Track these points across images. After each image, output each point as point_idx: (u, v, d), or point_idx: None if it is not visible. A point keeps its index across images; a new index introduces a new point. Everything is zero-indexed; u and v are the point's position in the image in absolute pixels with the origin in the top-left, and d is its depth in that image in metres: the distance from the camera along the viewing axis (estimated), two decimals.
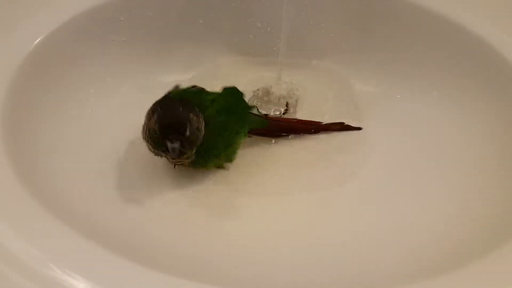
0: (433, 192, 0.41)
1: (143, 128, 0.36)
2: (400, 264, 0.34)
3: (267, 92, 0.49)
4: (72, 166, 0.39)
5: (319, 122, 0.46)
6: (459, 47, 0.45)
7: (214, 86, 0.48)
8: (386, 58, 0.48)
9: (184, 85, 0.40)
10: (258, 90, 0.49)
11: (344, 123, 0.46)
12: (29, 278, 0.29)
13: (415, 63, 0.47)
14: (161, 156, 0.37)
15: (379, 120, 0.47)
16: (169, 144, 0.34)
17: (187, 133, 0.34)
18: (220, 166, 0.42)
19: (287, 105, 0.48)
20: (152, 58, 0.48)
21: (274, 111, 0.48)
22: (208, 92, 0.41)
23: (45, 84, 0.40)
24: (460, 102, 0.45)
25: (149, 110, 0.36)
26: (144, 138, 0.37)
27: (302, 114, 0.48)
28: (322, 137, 0.46)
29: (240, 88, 0.48)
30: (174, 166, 0.41)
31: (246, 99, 0.46)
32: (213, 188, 0.42)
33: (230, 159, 0.41)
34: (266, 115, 0.47)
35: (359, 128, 0.46)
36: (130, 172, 0.42)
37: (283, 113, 0.48)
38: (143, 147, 0.43)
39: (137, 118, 0.45)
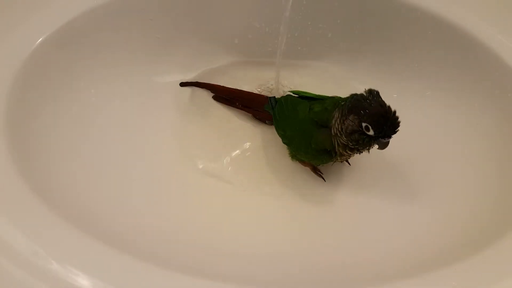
0: (427, 189, 0.41)
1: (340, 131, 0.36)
2: (396, 259, 0.35)
3: (265, 92, 0.49)
4: (73, 163, 0.39)
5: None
6: (455, 48, 0.45)
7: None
8: (383, 58, 0.48)
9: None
10: (257, 90, 0.50)
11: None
12: (31, 274, 0.29)
13: (412, 63, 0.47)
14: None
15: None
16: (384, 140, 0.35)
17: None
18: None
19: None
20: (152, 59, 0.48)
21: None
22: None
23: (46, 83, 0.41)
24: (454, 101, 0.45)
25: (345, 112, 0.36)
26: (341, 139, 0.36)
27: None
28: None
29: (239, 87, 0.49)
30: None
31: None
32: (214, 187, 0.42)
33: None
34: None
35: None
36: (130, 170, 0.42)
37: None
38: (143, 145, 0.44)
39: (137, 117, 0.46)
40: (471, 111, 0.44)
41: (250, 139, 0.46)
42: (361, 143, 0.36)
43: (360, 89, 0.49)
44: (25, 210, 0.32)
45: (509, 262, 0.31)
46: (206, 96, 0.49)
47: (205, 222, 0.39)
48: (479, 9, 0.44)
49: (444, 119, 0.45)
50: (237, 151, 0.45)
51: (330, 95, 0.50)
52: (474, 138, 0.43)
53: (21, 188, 0.33)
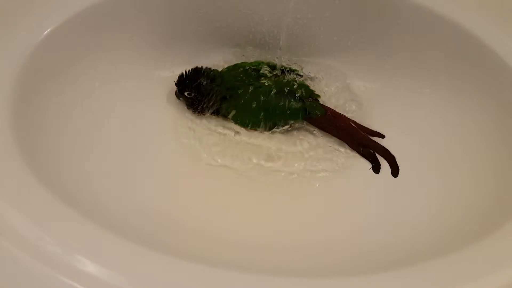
0: (428, 182, 0.42)
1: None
2: (397, 248, 0.35)
3: None
4: (78, 154, 0.40)
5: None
6: (455, 46, 0.46)
7: None
8: (384, 56, 0.49)
9: None
10: None
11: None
12: (39, 260, 0.29)
13: (412, 61, 0.48)
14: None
15: (377, 115, 0.48)
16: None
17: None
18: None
19: None
20: (155, 54, 0.49)
21: None
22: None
23: (52, 76, 0.41)
24: (454, 98, 0.46)
25: None
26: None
27: None
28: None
29: None
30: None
31: None
32: (218, 180, 0.43)
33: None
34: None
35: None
36: (134, 161, 0.43)
37: None
38: (146, 137, 0.45)
39: (140, 111, 0.47)
40: (469, 108, 0.45)
41: (253, 134, 0.47)
42: None
43: (362, 87, 0.50)
44: (32, 199, 0.32)
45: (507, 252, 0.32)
46: None
47: (211, 213, 0.40)
48: (479, 8, 0.45)
49: (443, 116, 0.46)
50: (240, 146, 0.46)
51: (330, 93, 0.51)
52: (472, 134, 0.44)
53: (26, 176, 0.33)
